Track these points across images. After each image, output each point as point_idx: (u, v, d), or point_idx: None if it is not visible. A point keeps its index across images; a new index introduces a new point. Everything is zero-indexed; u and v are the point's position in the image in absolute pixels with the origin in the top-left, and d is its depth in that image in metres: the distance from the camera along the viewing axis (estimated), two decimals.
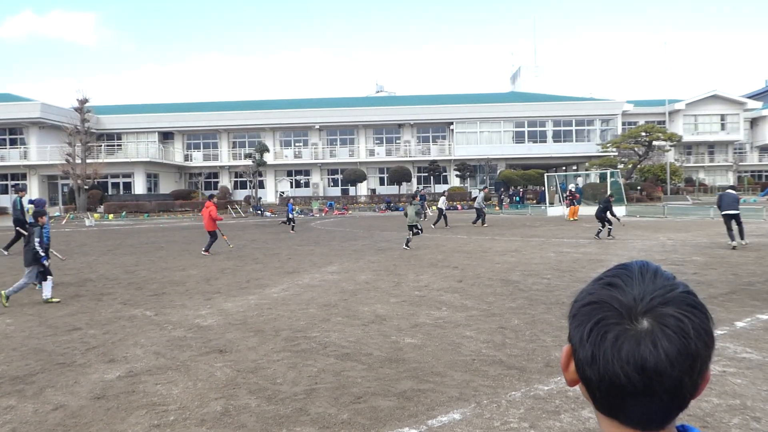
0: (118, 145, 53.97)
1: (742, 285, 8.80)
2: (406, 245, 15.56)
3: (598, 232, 17.13)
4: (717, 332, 4.99)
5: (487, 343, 5.88)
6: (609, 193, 23.83)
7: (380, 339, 6.16)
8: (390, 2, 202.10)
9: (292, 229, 23.51)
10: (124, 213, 41.80)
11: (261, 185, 52.31)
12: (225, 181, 54.84)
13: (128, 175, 50.24)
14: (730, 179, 61.66)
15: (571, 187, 30.82)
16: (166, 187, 51.96)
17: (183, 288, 9.88)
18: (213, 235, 15.44)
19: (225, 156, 55.12)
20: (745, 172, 63.87)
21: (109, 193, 49.23)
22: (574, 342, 0.83)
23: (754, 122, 65.61)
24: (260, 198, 47.79)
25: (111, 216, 40.57)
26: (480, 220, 23.68)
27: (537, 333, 6.24)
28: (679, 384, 0.76)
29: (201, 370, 5.22)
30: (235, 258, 14.30)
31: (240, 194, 52.73)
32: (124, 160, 49.18)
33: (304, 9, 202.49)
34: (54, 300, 8.75)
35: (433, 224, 23.66)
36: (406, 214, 16.64)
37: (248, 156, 47.85)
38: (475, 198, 25.51)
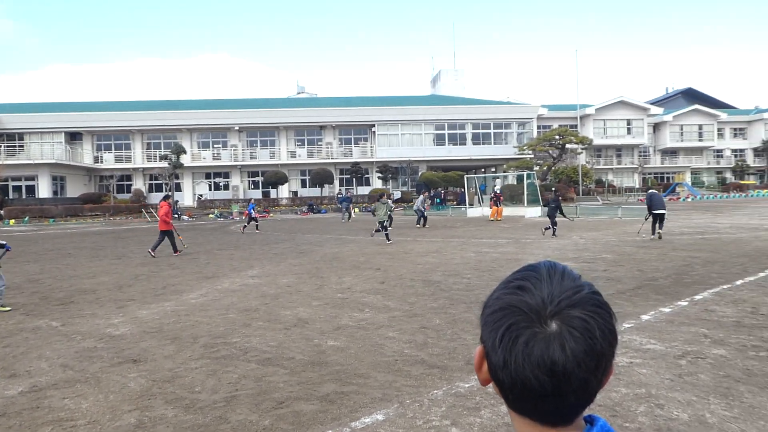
0: (20, 146, 50.58)
1: (646, 280, 9.37)
2: (387, 239, 17.40)
3: (547, 229, 18.13)
4: (624, 325, 5.32)
5: (409, 344, 5.95)
6: (555, 190, 24.78)
7: (302, 342, 6.11)
8: (313, 3, 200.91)
9: (257, 228, 24.99)
10: (27, 218, 39.26)
11: (178, 188, 50.58)
12: (139, 183, 52.60)
13: (31, 178, 47.25)
14: (636, 180, 65.65)
15: (497, 189, 31.75)
16: (75, 190, 49.26)
17: (93, 296, 9.40)
18: (165, 235, 15.59)
19: (139, 158, 52.87)
20: (649, 173, 68.16)
21: (10, 196, 46.09)
22: (487, 346, 0.85)
23: (656, 127, 70.13)
24: (177, 201, 46.21)
25: (12, 221, 38.00)
26: (422, 222, 24.25)
27: (458, 332, 6.38)
28: (586, 383, 0.79)
29: (113, 382, 4.99)
30: (150, 263, 13.77)
31: (155, 197, 50.73)
32: (27, 162, 46.21)
33: (223, 10, 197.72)
34: (5, 308, 8.31)
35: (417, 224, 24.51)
36: (373, 213, 17.48)
37: (164, 158, 46.16)
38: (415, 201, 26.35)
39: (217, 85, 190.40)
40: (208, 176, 54.51)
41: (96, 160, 52.55)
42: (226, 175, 54.41)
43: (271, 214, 41.95)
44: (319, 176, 49.02)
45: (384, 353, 5.62)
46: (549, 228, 18.04)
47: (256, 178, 54.39)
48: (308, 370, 5.15)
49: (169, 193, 18.22)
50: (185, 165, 48.01)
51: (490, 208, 29.13)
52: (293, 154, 54.45)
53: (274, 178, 48.55)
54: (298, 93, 74.17)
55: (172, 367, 5.35)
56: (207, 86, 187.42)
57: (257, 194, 53.35)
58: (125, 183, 52.74)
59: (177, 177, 48.36)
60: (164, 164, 45.31)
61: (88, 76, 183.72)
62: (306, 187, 54.26)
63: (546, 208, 19.23)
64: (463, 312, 7.40)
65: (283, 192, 52.30)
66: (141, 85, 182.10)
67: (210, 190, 54.02)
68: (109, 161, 52.48)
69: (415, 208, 24.81)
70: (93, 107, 54.73)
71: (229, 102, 61.69)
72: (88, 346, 6.23)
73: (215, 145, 54.45)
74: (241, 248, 17.18)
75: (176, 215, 39.94)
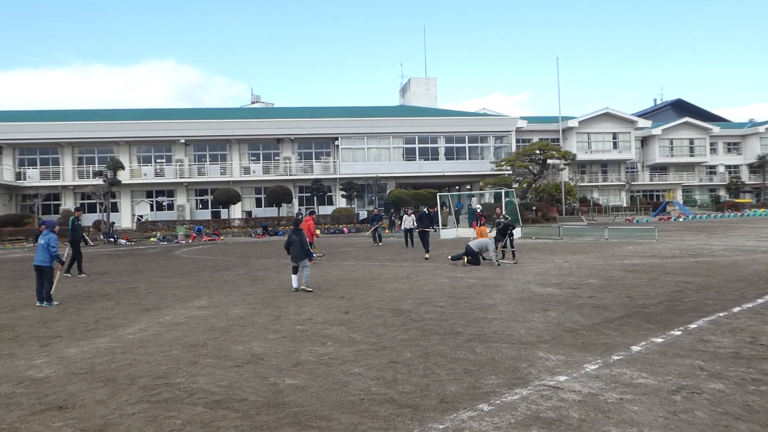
0: None
1: (636, 308, 9.53)
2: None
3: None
4: (613, 358, 5.40)
5: (377, 380, 5.91)
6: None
7: (257, 381, 6.02)
8: (267, 6, 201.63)
9: (379, 241, 27.56)
10: None
11: (114, 208, 49.69)
12: (69, 203, 51.47)
13: None
14: (624, 199, 67.13)
15: (478, 207, 31.95)
16: None
17: (12, 333, 9.11)
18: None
19: (69, 174, 51.87)
20: (637, 191, 69.76)
21: None
22: None
23: (644, 141, 72.09)
24: (113, 223, 45.33)
25: None
26: (410, 242, 25.04)
27: (431, 366, 6.37)
28: None
29: None
30: (81, 295, 13.44)
31: (88, 219, 49.74)
32: None
33: (171, 12, 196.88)
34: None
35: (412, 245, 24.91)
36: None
37: (98, 174, 45.37)
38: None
39: (164, 95, 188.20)
40: (149, 195, 53.72)
41: (18, 176, 51.32)
42: (170, 194, 53.72)
43: (222, 237, 41.49)
44: (276, 194, 48.73)
45: (349, 392, 5.57)
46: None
47: (204, 197, 53.82)
48: (263, 413, 5.07)
49: (313, 209, 18.95)
50: (123, 182, 47.26)
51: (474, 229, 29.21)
52: (247, 170, 54.11)
53: (225, 196, 48.10)
54: (253, 102, 74.07)
55: (105, 414, 5.20)
56: (152, 96, 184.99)
57: (206, 215, 52.77)
58: (53, 203, 51.53)
59: (113, 196, 47.50)
60: (98, 181, 44.52)
61: (17, 84, 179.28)
62: (261, 206, 53.90)
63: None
64: (436, 344, 7.39)
65: (236, 212, 51.83)
66: (79, 95, 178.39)
67: (152, 210, 53.23)
68: (34, 178, 51.29)
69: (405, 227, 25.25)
70: (15, 117, 53.61)
71: (173, 112, 61.16)
72: (5, 391, 6.03)
73: (158, 160, 53.80)
74: (187, 275, 16.92)
75: (112, 239, 39.20)
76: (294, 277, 12.86)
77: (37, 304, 11.89)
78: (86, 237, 24.18)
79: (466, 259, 17.03)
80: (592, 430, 4.46)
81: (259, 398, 5.48)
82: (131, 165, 52.10)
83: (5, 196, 50.49)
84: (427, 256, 19.84)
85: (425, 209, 23.83)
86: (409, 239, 25.45)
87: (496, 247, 17.89)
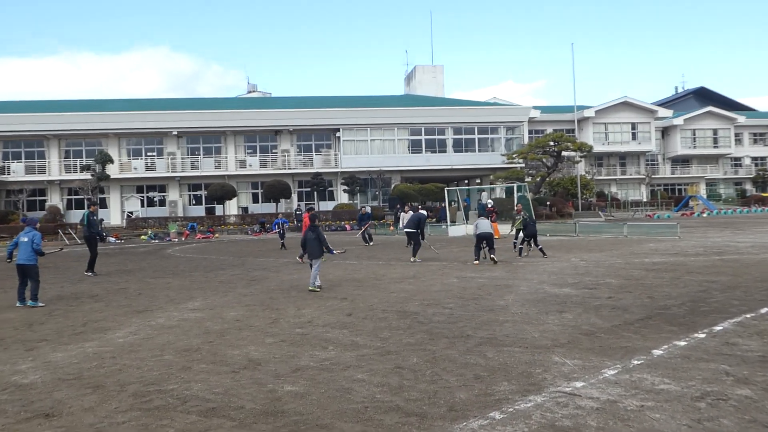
0: None
1: (658, 309, 9.50)
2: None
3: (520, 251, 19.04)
4: (633, 362, 5.37)
5: (381, 387, 5.90)
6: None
7: (254, 388, 6.02)
8: None
9: (366, 241, 26.72)
10: None
11: (103, 204, 49.82)
12: (55, 199, 51.65)
13: None
14: (644, 193, 67.01)
15: (489, 202, 31.95)
16: None
17: None
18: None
19: (55, 168, 51.96)
20: (658, 185, 69.60)
21: None
22: None
23: (665, 132, 71.83)
24: (102, 220, 45.42)
25: None
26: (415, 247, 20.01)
27: (439, 372, 6.36)
28: None
29: None
30: (68, 297, 13.47)
31: (75, 215, 49.86)
32: None
33: None
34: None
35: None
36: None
37: (86, 168, 45.50)
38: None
39: (156, 85, 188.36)
40: (139, 190, 53.83)
41: (2, 171, 51.50)
42: (162, 189, 53.83)
43: (217, 235, 41.56)
44: (274, 189, 48.79)
45: (351, 399, 5.57)
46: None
47: (198, 192, 53.93)
48: (261, 422, 5.07)
49: (313, 205, 18.81)
50: (112, 176, 47.39)
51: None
52: (243, 164, 54.16)
53: (220, 191, 48.20)
54: (249, 92, 74.12)
55: (94, 422, 5.21)
56: (144, 86, 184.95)
57: (200, 211, 52.86)
58: (38, 198, 51.72)
59: (102, 191, 47.63)
60: (86, 176, 44.65)
61: (2, 73, 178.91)
62: (258, 201, 53.97)
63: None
64: (444, 348, 7.38)
65: (231, 208, 51.92)
66: (68, 84, 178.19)
67: (142, 206, 53.34)
68: (18, 172, 51.41)
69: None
70: None
71: (165, 102, 61.25)
72: None
73: (149, 153, 53.89)
74: (179, 275, 16.96)
75: (99, 237, 39.25)
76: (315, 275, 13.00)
77: (17, 305, 11.94)
78: (72, 234, 24.17)
79: (491, 258, 17.11)
80: None
81: (257, 406, 5.48)
82: (121, 158, 52.15)
83: None
84: (412, 259, 18.96)
85: (424, 211, 22.24)
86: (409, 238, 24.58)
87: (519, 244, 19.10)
